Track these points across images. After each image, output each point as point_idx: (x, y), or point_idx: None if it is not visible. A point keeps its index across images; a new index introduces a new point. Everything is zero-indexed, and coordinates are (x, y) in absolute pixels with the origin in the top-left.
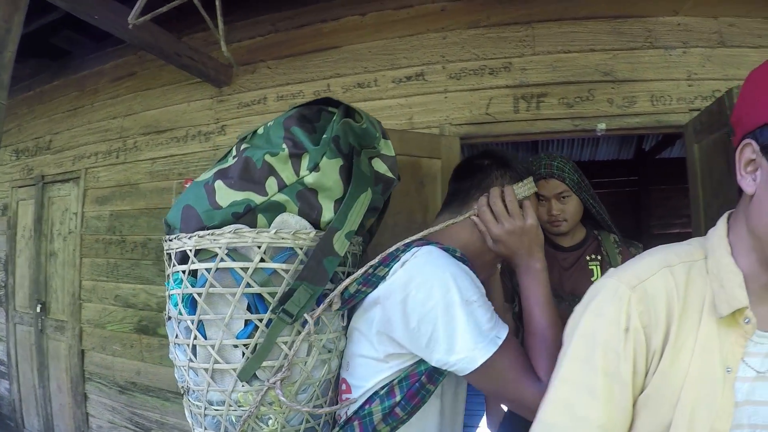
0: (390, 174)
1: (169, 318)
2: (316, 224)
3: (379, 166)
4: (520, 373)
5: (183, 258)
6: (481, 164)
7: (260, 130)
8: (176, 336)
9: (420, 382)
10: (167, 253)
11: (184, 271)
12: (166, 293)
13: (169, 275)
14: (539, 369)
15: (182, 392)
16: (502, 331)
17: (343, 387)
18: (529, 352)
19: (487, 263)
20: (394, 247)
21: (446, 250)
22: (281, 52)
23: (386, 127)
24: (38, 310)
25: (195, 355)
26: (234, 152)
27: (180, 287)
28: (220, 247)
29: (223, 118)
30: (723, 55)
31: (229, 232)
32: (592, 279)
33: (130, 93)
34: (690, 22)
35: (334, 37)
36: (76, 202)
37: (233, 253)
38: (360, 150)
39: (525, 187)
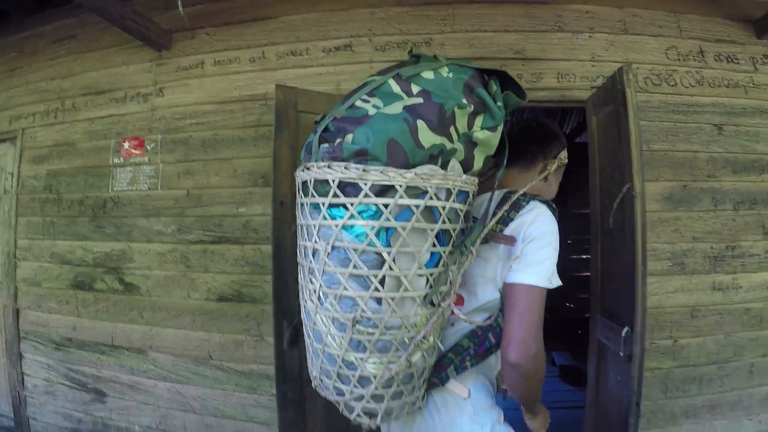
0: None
1: (335, 249)
2: (465, 171)
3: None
4: (539, 322)
5: (381, 191)
6: (545, 134)
7: (427, 74)
8: (354, 267)
9: None
10: (361, 183)
11: (385, 205)
12: (330, 223)
13: (351, 205)
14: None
15: (348, 322)
16: (555, 282)
17: (455, 299)
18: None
19: None
20: (516, 196)
21: (547, 204)
22: (220, 20)
23: (310, 81)
24: None
25: (382, 285)
26: (402, 88)
27: (376, 220)
28: (431, 187)
29: (161, 81)
30: (626, 41)
31: (441, 174)
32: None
33: (70, 55)
34: (597, 10)
35: (270, 8)
36: (12, 162)
37: (441, 194)
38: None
39: (565, 153)
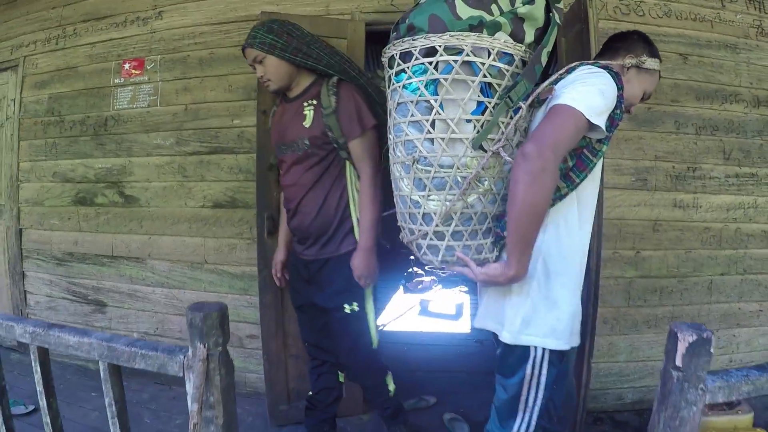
0: (557, 18)
1: (401, 103)
2: (519, 43)
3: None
4: (564, 143)
5: (428, 53)
6: (631, 35)
7: None
8: (411, 115)
9: (584, 153)
10: (411, 49)
11: (430, 63)
12: (396, 86)
13: (408, 67)
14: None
15: (409, 162)
16: (594, 118)
17: None
18: None
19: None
20: (574, 64)
21: (607, 69)
22: None
23: (304, 13)
24: None
25: (433, 127)
26: None
27: (424, 75)
28: (466, 45)
29: (160, 5)
30: None
31: (474, 35)
32: (304, 123)
33: None
34: None
35: None
36: (14, 89)
37: (478, 53)
38: None
39: (655, 63)
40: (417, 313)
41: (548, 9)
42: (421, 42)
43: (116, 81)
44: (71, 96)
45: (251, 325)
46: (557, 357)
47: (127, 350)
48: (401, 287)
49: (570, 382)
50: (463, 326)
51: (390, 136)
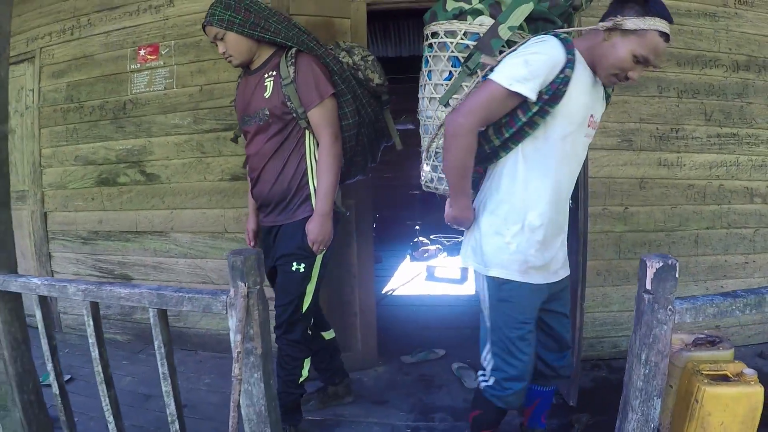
0: None
1: (421, 72)
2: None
3: None
4: (480, 109)
5: (425, 37)
6: None
7: None
8: (422, 81)
9: (516, 112)
10: (424, 35)
11: (427, 44)
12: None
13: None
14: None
15: (418, 114)
16: (514, 86)
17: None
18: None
19: (606, 75)
20: (534, 35)
21: (557, 36)
22: None
23: None
24: None
25: (425, 90)
26: None
27: (429, 51)
28: (441, 30)
29: None
30: None
31: (446, 22)
32: (264, 94)
33: None
34: None
35: None
36: (32, 80)
37: (448, 33)
38: None
39: (643, 22)
40: (424, 278)
41: None
42: (425, 30)
43: (132, 67)
44: (89, 83)
45: (267, 288)
46: (495, 283)
47: (175, 295)
48: (408, 256)
49: (553, 332)
50: (468, 289)
51: None
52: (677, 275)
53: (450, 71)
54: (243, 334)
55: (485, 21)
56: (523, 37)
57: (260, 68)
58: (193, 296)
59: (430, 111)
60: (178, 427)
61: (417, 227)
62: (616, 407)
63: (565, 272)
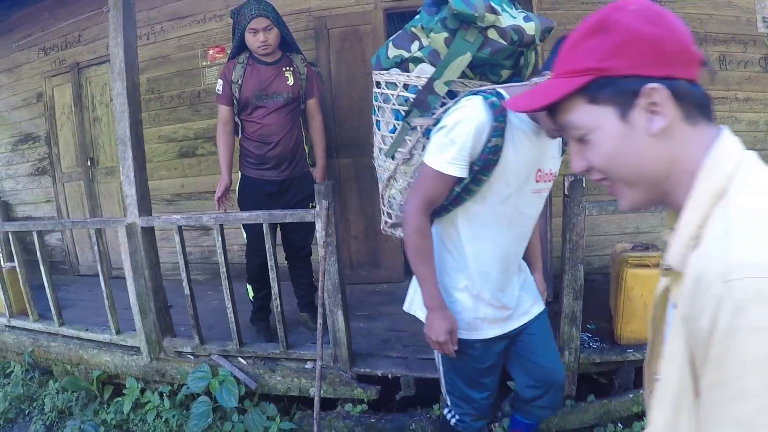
0: (501, 41)
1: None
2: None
3: (492, 34)
4: (424, 199)
5: (376, 84)
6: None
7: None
8: (374, 129)
9: (456, 191)
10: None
11: (376, 92)
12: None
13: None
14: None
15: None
16: (446, 168)
17: None
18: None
19: (546, 128)
20: (469, 92)
21: (486, 97)
22: None
23: (336, 5)
24: (88, 164)
25: (374, 138)
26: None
27: (375, 101)
28: (383, 81)
29: (232, 3)
30: None
31: (384, 72)
32: (288, 82)
33: None
34: None
35: None
36: None
37: (390, 85)
38: (468, 26)
39: None
40: None
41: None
42: (373, 76)
43: (203, 63)
44: (167, 77)
45: None
46: None
47: (281, 214)
48: None
49: (537, 373)
50: None
51: None
52: (584, 185)
53: (393, 124)
54: (326, 232)
55: (426, 70)
56: (466, 86)
57: (276, 62)
58: (293, 212)
59: (380, 160)
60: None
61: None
62: (591, 305)
63: (537, 309)
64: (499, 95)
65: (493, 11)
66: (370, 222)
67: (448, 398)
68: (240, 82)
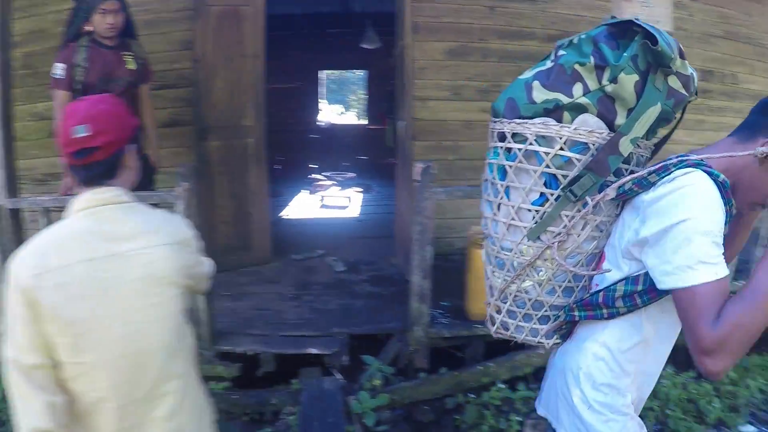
0: (683, 90)
1: (485, 180)
2: (611, 126)
3: (674, 82)
4: (706, 313)
5: (501, 137)
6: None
7: (575, 40)
8: (486, 193)
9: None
10: (491, 131)
11: (501, 147)
12: (487, 161)
13: (491, 148)
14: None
15: (483, 237)
16: (721, 272)
17: (600, 257)
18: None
19: (749, 203)
20: (671, 159)
21: (711, 174)
22: None
23: None
24: None
25: (499, 210)
26: (552, 57)
27: (496, 158)
28: (531, 134)
29: None
30: None
31: (539, 122)
32: (128, 66)
33: None
34: None
35: None
36: None
37: (540, 139)
38: (657, 68)
39: None
40: (317, 206)
41: (644, 86)
42: (495, 125)
43: None
44: (43, 53)
45: None
46: None
47: (144, 195)
48: (306, 190)
49: None
50: (351, 213)
51: None
52: (432, 172)
53: (542, 193)
54: (187, 214)
55: (590, 122)
56: (638, 147)
57: (117, 47)
58: (154, 194)
59: (508, 242)
60: None
61: (314, 166)
62: (450, 283)
63: None
64: (710, 168)
65: (681, 54)
66: (241, 205)
67: None
68: (86, 65)
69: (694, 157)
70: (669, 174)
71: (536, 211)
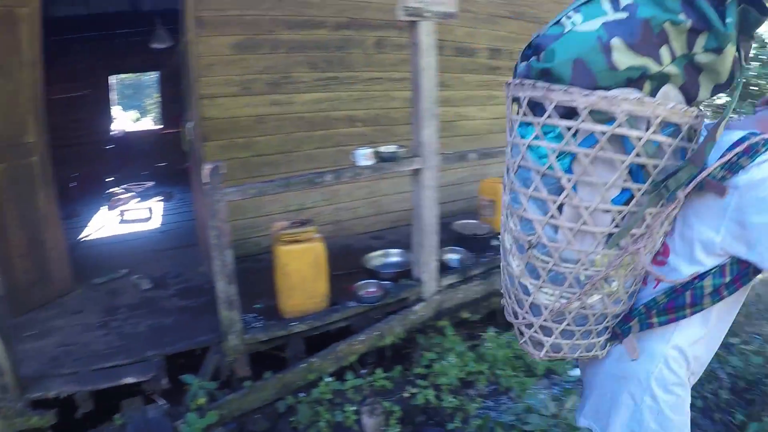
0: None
1: (526, 169)
2: (689, 101)
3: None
4: None
5: (566, 113)
6: None
7: None
8: (534, 189)
9: (749, 269)
10: (547, 101)
11: (568, 128)
12: (519, 141)
13: (536, 124)
14: None
15: (527, 246)
16: None
17: (661, 249)
18: None
19: None
20: (755, 139)
21: None
22: None
23: None
24: None
25: (560, 212)
26: (606, 2)
27: (558, 142)
28: (621, 112)
29: None
30: None
31: (634, 98)
32: None
33: None
34: None
35: None
36: None
37: (631, 120)
38: (744, 38)
39: None
40: (117, 222)
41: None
42: (558, 96)
43: None
44: None
45: None
46: None
47: None
48: (105, 206)
49: None
50: (153, 225)
51: (504, 194)
52: (221, 172)
53: (626, 189)
54: None
55: (671, 96)
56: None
57: None
58: None
59: (572, 251)
60: None
61: (112, 179)
62: (262, 284)
63: None
64: None
65: None
66: (33, 233)
67: None
68: None
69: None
70: (760, 155)
71: (617, 211)
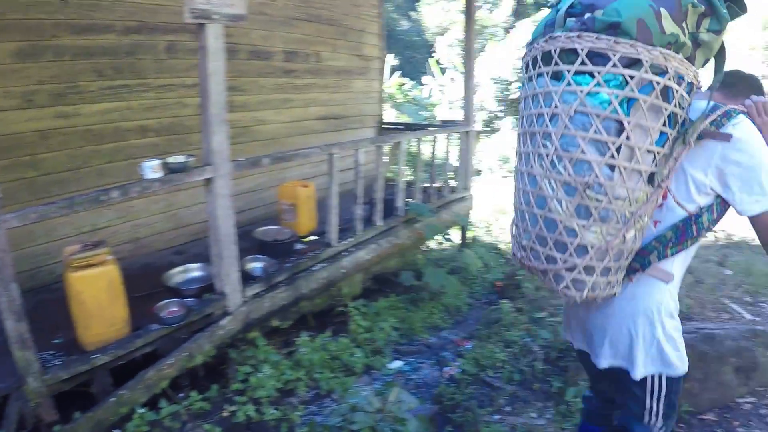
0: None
1: (584, 114)
2: None
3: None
4: None
5: (628, 64)
6: (747, 77)
7: None
8: (595, 131)
9: (727, 208)
10: (610, 51)
11: (632, 76)
12: (576, 89)
13: (595, 73)
14: None
15: (580, 186)
16: None
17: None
18: None
19: None
20: (727, 108)
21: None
22: None
23: None
24: None
25: (619, 152)
26: None
27: (620, 89)
28: (672, 69)
29: None
30: None
31: (679, 58)
32: None
33: None
34: None
35: None
36: None
37: (676, 79)
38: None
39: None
40: None
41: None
42: (625, 49)
43: None
44: None
45: None
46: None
47: None
48: None
49: None
50: None
51: (544, 143)
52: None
53: (663, 133)
54: None
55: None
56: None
57: None
58: None
59: (623, 188)
60: None
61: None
62: (60, 316)
63: None
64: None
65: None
66: None
67: (661, 421)
68: None
69: (733, 108)
70: (734, 117)
71: (657, 152)
